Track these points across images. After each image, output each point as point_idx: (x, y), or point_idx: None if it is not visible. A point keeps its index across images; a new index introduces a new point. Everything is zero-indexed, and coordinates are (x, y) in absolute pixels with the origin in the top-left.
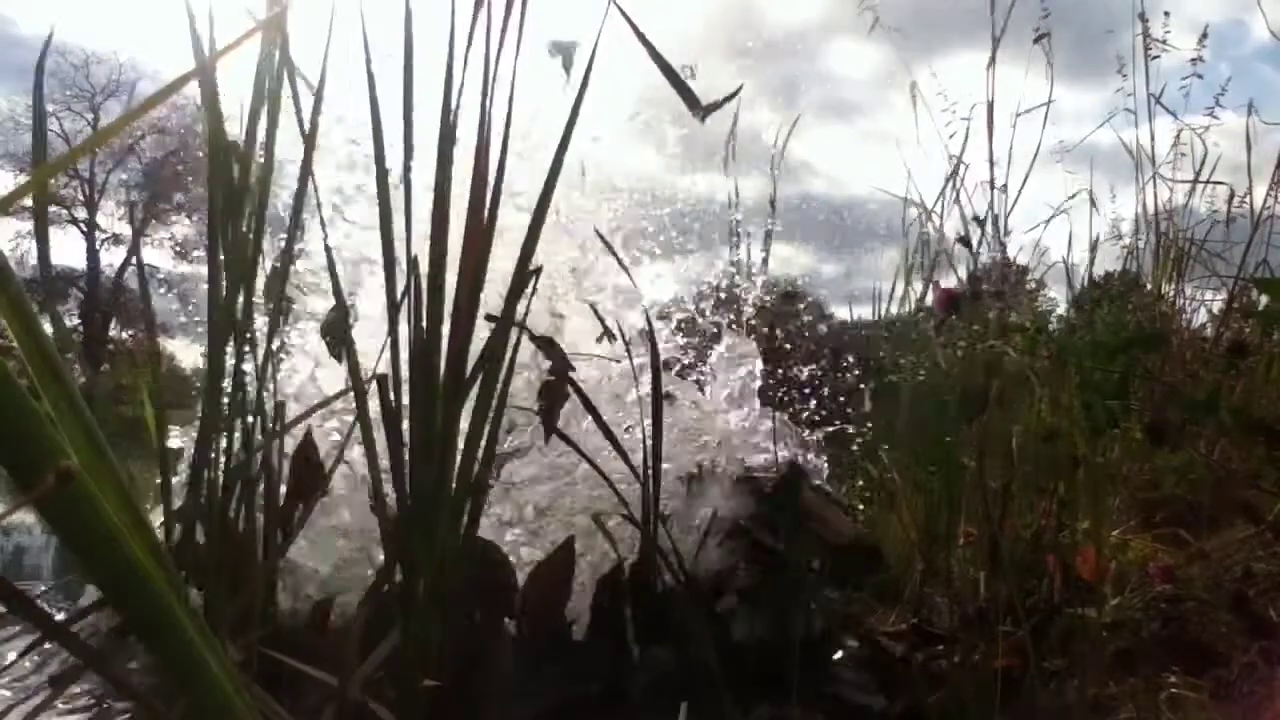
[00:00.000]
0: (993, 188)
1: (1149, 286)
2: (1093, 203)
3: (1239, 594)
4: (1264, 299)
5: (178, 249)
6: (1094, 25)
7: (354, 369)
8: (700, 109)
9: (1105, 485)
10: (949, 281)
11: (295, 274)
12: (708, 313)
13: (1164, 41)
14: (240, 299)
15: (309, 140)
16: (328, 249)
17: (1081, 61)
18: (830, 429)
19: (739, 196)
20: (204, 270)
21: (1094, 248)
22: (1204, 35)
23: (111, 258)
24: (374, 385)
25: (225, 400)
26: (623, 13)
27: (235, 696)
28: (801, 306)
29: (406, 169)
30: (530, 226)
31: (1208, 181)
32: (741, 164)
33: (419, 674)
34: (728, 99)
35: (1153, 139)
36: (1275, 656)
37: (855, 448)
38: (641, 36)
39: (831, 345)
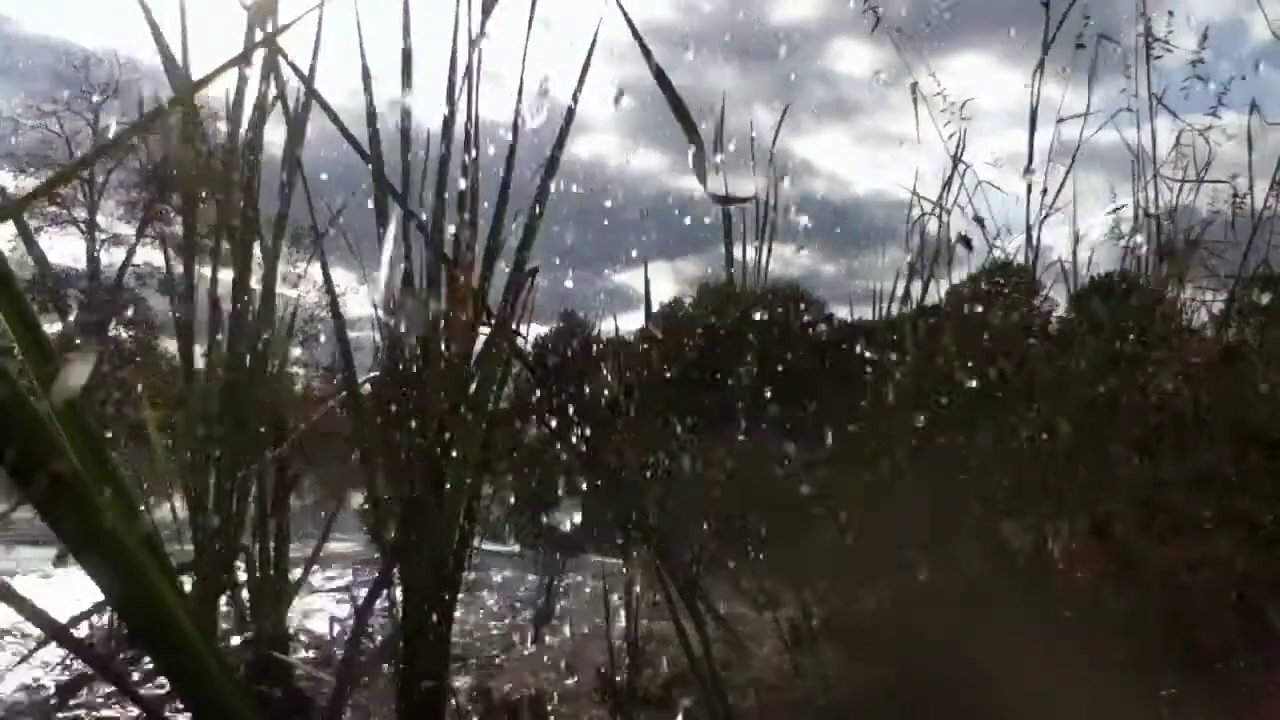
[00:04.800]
0: (1029, 190)
1: (1148, 284)
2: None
3: (1240, 596)
4: (1265, 296)
5: (178, 249)
6: (1095, 24)
7: (351, 375)
8: (699, 143)
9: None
10: (954, 280)
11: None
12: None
13: (1166, 41)
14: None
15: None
16: (322, 252)
17: (1083, 60)
18: None
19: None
20: (205, 271)
21: (1087, 247)
22: (1204, 36)
23: (111, 258)
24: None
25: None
26: (635, 33)
27: (235, 696)
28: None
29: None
30: (527, 227)
31: (1208, 180)
32: (741, 164)
33: (419, 671)
34: (742, 200)
35: (1154, 139)
36: (1275, 658)
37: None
38: (648, 54)
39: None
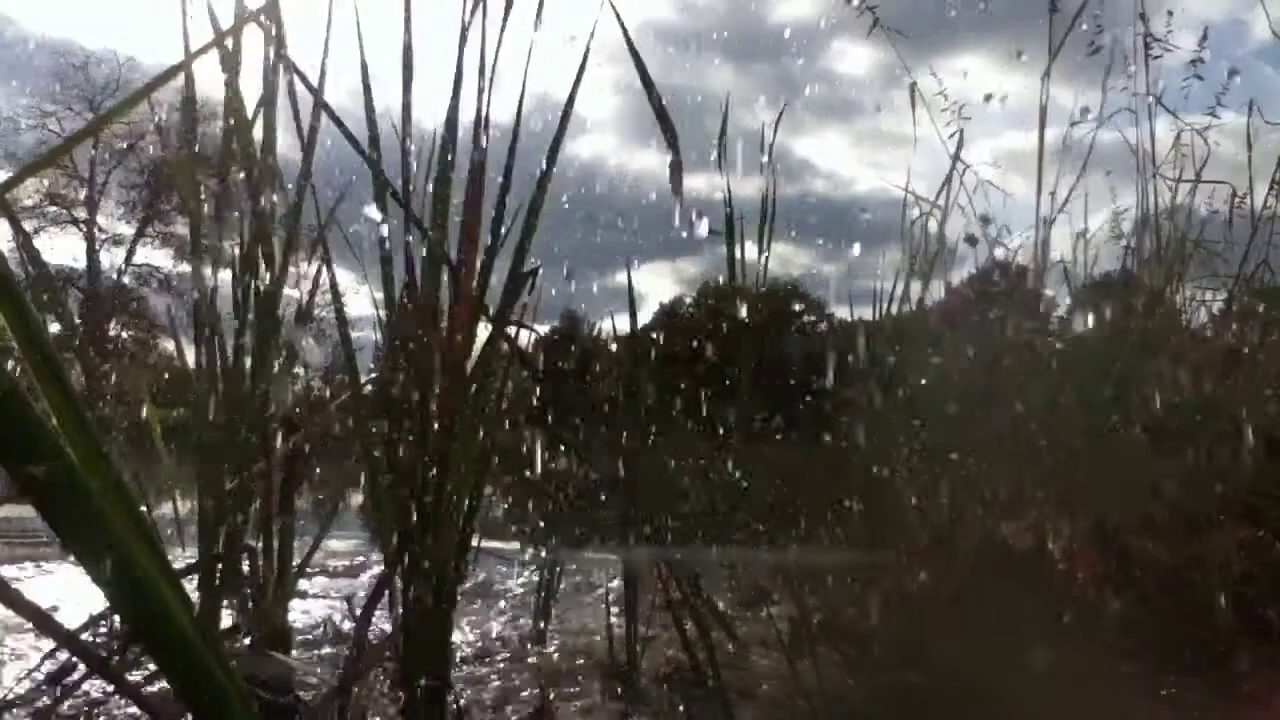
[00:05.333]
0: (1039, 192)
1: (1148, 281)
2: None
3: (1240, 596)
4: (1261, 308)
5: (177, 249)
6: (1095, 25)
7: (353, 374)
8: (676, 151)
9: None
10: (954, 280)
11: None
12: None
13: (1165, 41)
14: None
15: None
16: (324, 246)
17: (1082, 60)
18: None
19: (731, 194)
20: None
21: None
22: (1204, 37)
23: (112, 258)
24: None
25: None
26: (627, 38)
27: (235, 696)
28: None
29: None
30: (525, 226)
31: (1209, 181)
32: (743, 164)
33: (420, 670)
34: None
35: (1153, 139)
36: (1275, 657)
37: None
38: (638, 59)
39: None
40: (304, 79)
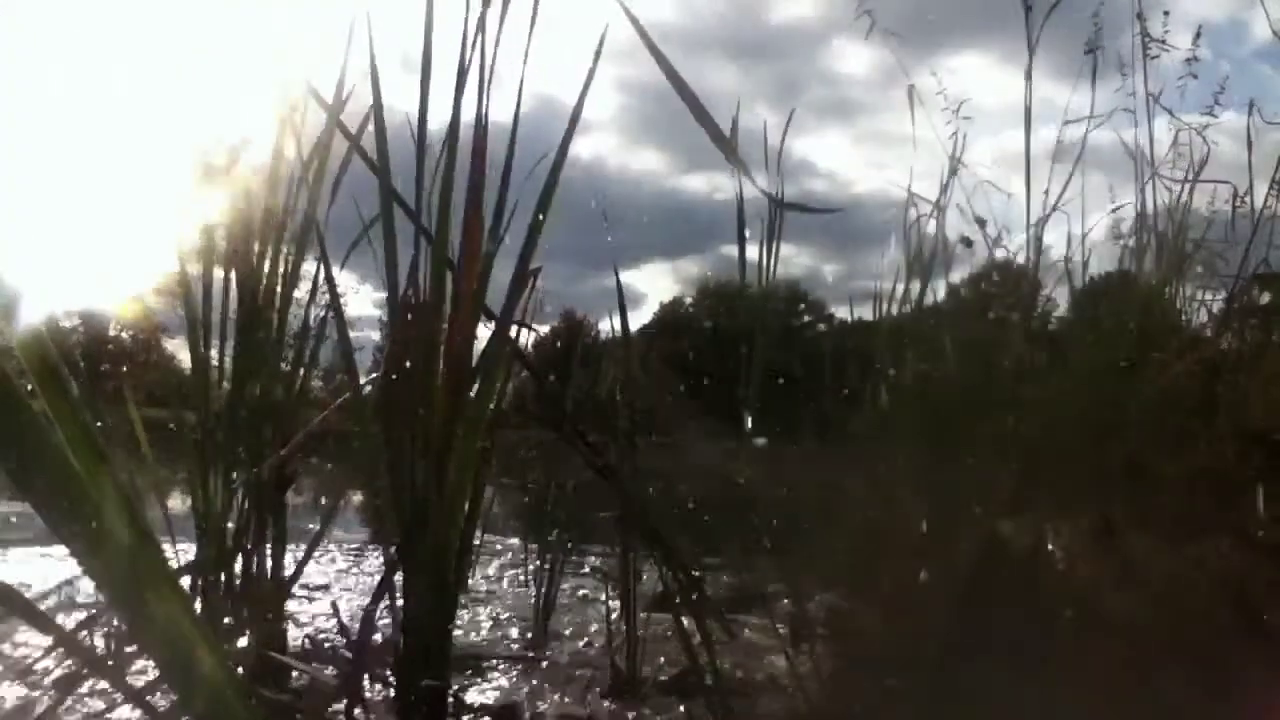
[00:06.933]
0: (1029, 192)
1: (1152, 281)
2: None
3: (1240, 596)
4: (1265, 296)
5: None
6: (1091, 24)
7: (352, 374)
8: (733, 152)
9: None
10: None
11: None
12: None
13: (1163, 41)
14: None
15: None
16: (322, 243)
17: (1081, 60)
18: None
19: (742, 195)
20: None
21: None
22: (1198, 34)
23: None
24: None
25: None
26: (649, 43)
27: (234, 697)
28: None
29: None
30: (530, 225)
31: (1208, 180)
32: (746, 164)
33: (420, 671)
34: (818, 210)
35: (1151, 139)
36: (1274, 659)
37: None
38: (664, 63)
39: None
40: (369, 161)
